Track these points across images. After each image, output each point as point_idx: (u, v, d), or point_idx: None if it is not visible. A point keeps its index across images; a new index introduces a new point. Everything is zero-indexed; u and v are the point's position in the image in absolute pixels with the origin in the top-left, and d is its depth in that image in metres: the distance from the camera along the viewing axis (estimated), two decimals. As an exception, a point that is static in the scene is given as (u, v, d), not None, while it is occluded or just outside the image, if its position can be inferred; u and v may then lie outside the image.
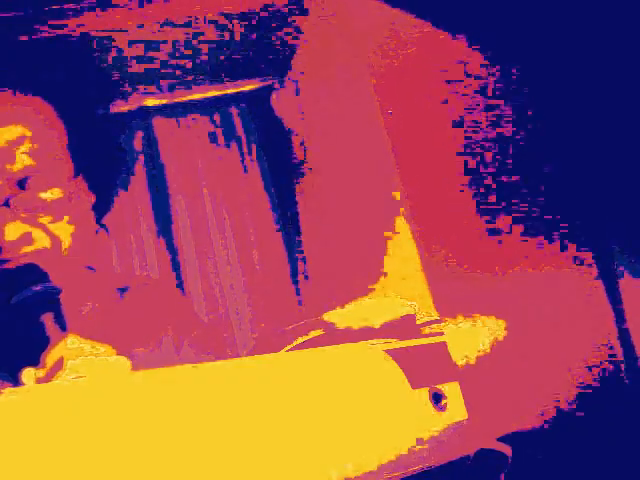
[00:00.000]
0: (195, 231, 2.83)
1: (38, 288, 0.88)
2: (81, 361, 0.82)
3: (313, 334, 0.81)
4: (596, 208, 1.59)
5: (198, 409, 0.57)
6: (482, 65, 1.64)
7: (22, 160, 0.92)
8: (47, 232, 0.94)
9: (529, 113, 1.61)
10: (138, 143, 2.83)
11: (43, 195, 0.94)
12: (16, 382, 0.89)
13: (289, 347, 0.79)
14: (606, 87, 1.45)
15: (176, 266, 2.79)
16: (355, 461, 0.63)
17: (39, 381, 0.82)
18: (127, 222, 2.77)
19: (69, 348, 0.83)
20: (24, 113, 0.95)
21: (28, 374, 0.83)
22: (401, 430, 0.68)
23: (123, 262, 2.74)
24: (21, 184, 0.93)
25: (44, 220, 0.94)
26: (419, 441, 0.69)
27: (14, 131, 0.93)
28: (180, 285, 2.76)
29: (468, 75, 1.67)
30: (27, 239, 0.93)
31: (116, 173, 1.08)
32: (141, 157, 2.83)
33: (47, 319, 0.87)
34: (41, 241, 0.94)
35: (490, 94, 1.64)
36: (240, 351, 2.77)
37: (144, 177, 2.81)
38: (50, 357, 0.83)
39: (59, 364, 0.82)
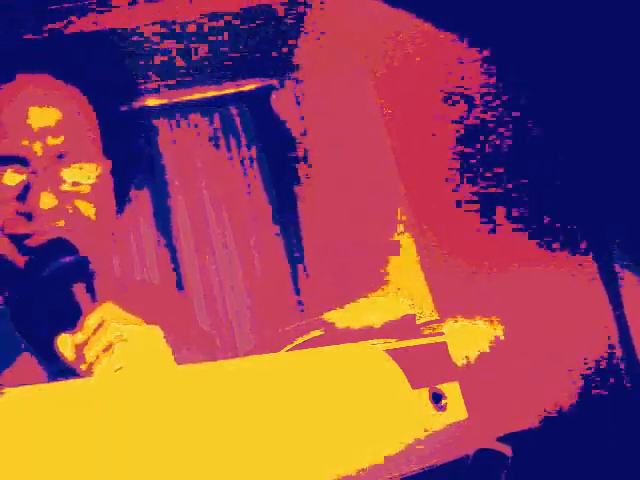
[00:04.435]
0: (195, 231, 2.83)
1: (69, 259, 0.91)
2: (121, 325, 0.86)
3: (313, 334, 0.81)
4: (596, 208, 1.59)
5: (198, 409, 0.57)
6: (482, 65, 1.64)
7: (62, 136, 0.97)
8: (76, 209, 0.98)
9: (529, 113, 1.61)
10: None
11: (78, 172, 0.98)
12: (43, 357, 0.91)
13: (289, 347, 0.79)
14: (606, 87, 1.45)
15: (176, 266, 2.79)
16: (355, 461, 0.63)
17: (77, 347, 0.85)
18: (127, 222, 2.77)
19: (108, 312, 0.86)
20: (64, 98, 1.00)
21: (63, 341, 0.86)
22: (401, 430, 0.68)
23: (123, 262, 2.74)
24: (60, 157, 0.97)
25: (76, 196, 0.98)
26: (419, 441, 0.68)
27: (55, 112, 0.98)
28: (180, 286, 2.76)
29: (468, 75, 1.67)
30: (59, 211, 0.96)
31: (135, 173, 1.14)
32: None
33: (79, 290, 0.89)
34: (71, 215, 0.97)
35: (490, 94, 1.64)
36: (240, 351, 2.78)
37: (144, 177, 2.81)
38: (90, 319, 0.86)
39: (100, 326, 0.85)
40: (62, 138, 0.97)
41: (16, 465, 0.47)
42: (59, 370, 0.89)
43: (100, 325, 0.86)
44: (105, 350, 0.84)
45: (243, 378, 0.62)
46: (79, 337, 0.86)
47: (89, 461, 0.50)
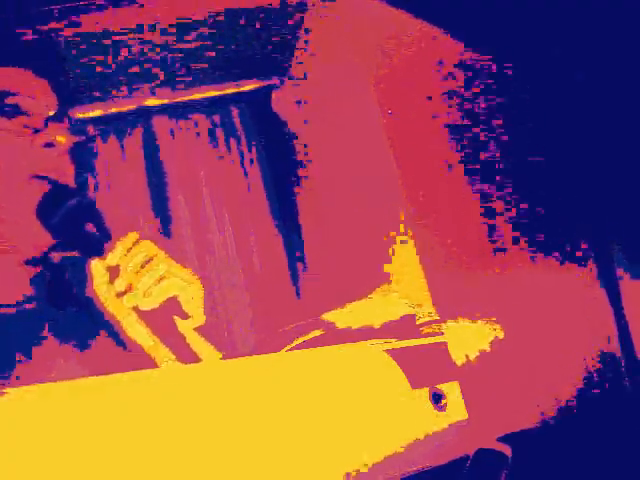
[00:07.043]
0: (195, 231, 2.83)
1: (74, 202, 0.96)
2: (149, 247, 0.93)
3: (313, 334, 0.81)
4: (596, 208, 1.59)
5: (198, 408, 0.57)
6: (482, 65, 1.64)
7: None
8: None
9: (529, 113, 1.61)
10: (138, 143, 2.83)
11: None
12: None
13: (289, 347, 0.79)
14: (606, 86, 1.45)
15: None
16: (355, 461, 0.63)
17: (110, 269, 0.92)
18: (127, 222, 2.77)
19: (137, 238, 0.94)
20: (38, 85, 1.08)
21: (96, 266, 0.93)
22: (401, 430, 0.68)
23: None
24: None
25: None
26: (419, 441, 0.68)
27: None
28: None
29: (468, 75, 1.67)
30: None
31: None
32: (141, 157, 2.83)
33: (91, 228, 0.95)
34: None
35: (490, 95, 1.64)
36: (240, 351, 2.78)
37: (144, 177, 2.81)
38: (122, 242, 0.93)
39: (135, 244, 0.93)
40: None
41: (16, 465, 0.47)
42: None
43: (132, 246, 0.92)
44: (143, 266, 0.91)
45: (243, 378, 0.62)
46: (111, 258, 0.92)
47: (89, 461, 0.50)
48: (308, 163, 2.78)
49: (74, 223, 0.95)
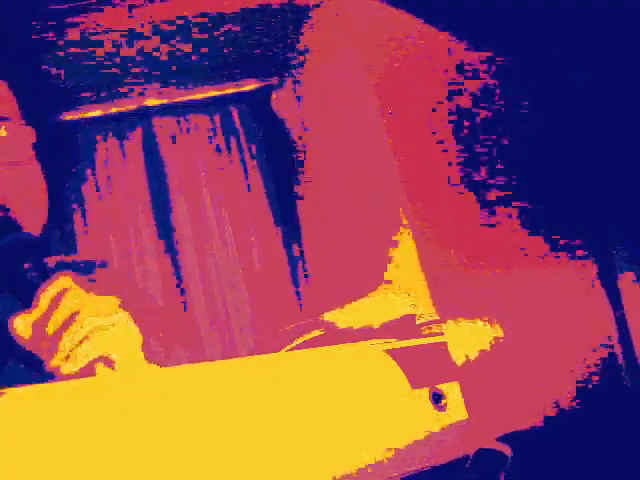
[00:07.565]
0: (195, 231, 2.83)
1: (11, 238, 0.88)
2: (78, 297, 0.82)
3: (313, 334, 0.81)
4: (596, 208, 1.58)
5: (198, 409, 0.57)
6: (482, 65, 1.64)
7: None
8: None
9: (529, 112, 1.61)
10: (138, 143, 2.83)
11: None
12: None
13: (289, 347, 0.79)
14: (606, 86, 1.45)
15: (176, 267, 2.79)
16: (355, 461, 0.63)
17: (34, 324, 0.82)
18: (127, 222, 2.77)
19: (64, 285, 0.83)
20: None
21: (19, 321, 0.82)
22: (401, 430, 0.68)
23: (123, 262, 2.74)
24: None
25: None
26: (419, 441, 0.68)
27: None
28: (180, 285, 2.76)
29: (468, 75, 1.67)
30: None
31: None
32: (141, 157, 2.83)
33: (27, 267, 0.87)
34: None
35: (490, 94, 1.64)
36: (240, 351, 2.78)
37: (144, 177, 2.81)
38: (46, 293, 0.83)
39: (57, 299, 0.82)
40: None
41: (16, 465, 0.47)
42: (15, 356, 0.86)
43: (57, 298, 0.82)
44: (65, 325, 0.81)
45: (243, 378, 0.62)
46: (35, 313, 0.82)
47: (89, 461, 0.50)
48: (308, 163, 2.78)
49: (9, 262, 0.86)
